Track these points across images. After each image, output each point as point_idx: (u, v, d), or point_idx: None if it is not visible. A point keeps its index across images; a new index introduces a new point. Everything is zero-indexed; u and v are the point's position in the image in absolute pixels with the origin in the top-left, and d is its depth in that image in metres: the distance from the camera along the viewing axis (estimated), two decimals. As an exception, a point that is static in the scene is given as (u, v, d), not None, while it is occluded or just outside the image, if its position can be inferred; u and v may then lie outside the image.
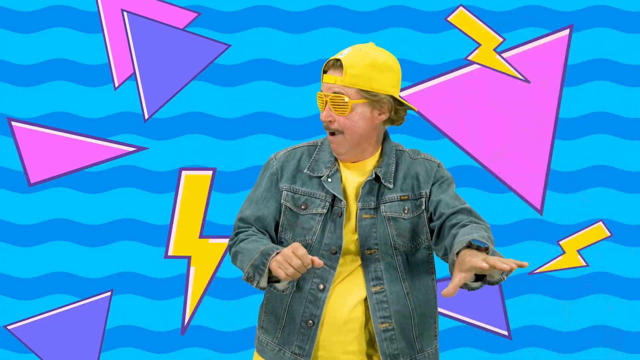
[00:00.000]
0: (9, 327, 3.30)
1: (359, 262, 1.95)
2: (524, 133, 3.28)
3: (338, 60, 1.89)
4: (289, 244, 1.88)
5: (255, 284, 1.84)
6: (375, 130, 1.95)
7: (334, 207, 1.94)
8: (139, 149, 3.29)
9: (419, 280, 1.99)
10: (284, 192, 1.97)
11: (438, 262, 2.02)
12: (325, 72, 1.92)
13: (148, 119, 3.29)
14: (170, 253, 3.32)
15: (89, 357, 3.31)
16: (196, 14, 3.28)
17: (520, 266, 1.62)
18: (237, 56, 3.28)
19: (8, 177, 3.28)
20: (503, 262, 1.59)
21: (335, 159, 1.97)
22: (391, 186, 1.96)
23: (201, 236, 3.31)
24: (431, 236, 1.99)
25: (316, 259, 1.74)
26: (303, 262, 1.73)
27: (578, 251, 3.31)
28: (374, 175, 1.95)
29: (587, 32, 3.27)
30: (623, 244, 3.30)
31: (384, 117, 1.94)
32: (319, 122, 1.98)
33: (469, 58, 3.27)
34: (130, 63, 3.26)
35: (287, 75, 3.29)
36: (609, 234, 3.30)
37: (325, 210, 1.93)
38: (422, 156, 2.04)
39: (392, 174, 1.97)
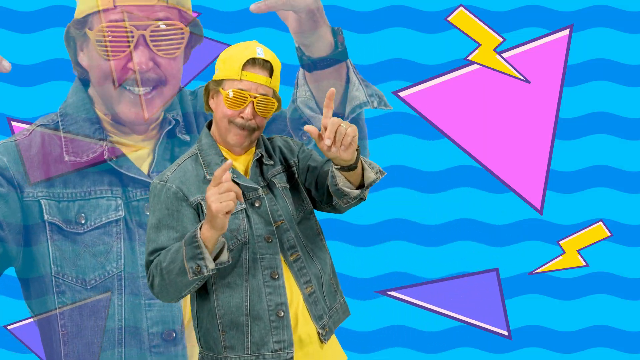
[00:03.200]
0: (9, 327, 3.30)
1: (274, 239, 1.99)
2: (524, 133, 3.28)
3: (267, 61, 1.95)
4: (226, 264, 1.89)
5: (206, 272, 1.78)
6: None
7: (247, 199, 1.97)
8: (139, 149, 3.29)
9: (314, 243, 2.07)
10: (202, 204, 1.92)
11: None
12: (243, 67, 1.92)
13: (148, 119, 3.29)
14: (170, 253, 3.31)
15: (89, 357, 3.30)
16: (196, 14, 3.28)
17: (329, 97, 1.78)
18: (237, 56, 3.28)
19: (8, 177, 3.28)
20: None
21: (222, 157, 1.99)
22: (272, 162, 2.05)
23: (201, 236, 3.31)
24: (310, 194, 2.10)
25: (225, 164, 1.75)
26: (219, 178, 1.73)
27: (578, 251, 3.31)
28: (259, 155, 2.02)
29: (587, 32, 3.27)
30: (623, 244, 3.30)
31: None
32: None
33: (469, 58, 3.27)
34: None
35: (287, 75, 3.28)
36: (609, 234, 3.30)
37: (244, 206, 1.96)
38: (275, 136, 2.17)
39: (268, 153, 2.07)
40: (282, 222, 2.00)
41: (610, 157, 3.29)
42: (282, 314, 1.94)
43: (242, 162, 2.04)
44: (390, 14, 3.28)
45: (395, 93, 3.28)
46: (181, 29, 1.27)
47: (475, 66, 3.27)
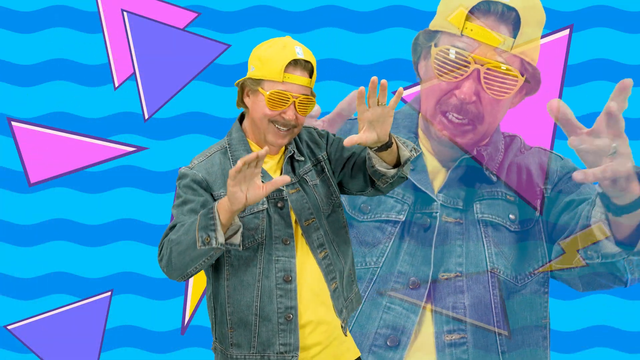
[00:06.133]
0: (9, 327, 3.30)
1: (300, 235, 2.01)
2: (524, 133, 3.27)
3: (308, 62, 1.94)
4: (237, 248, 1.88)
5: (215, 244, 1.77)
6: None
7: (269, 199, 1.97)
8: (139, 149, 3.29)
9: (340, 237, 2.09)
10: None
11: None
12: (285, 69, 1.91)
13: (148, 119, 3.29)
14: (170, 253, 3.31)
15: (89, 357, 3.30)
16: (196, 14, 3.28)
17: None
18: (237, 56, 3.28)
19: (8, 177, 3.28)
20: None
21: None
22: (302, 158, 2.06)
23: (201, 236, 3.31)
24: (341, 183, 2.12)
25: (259, 152, 1.74)
26: (248, 162, 1.73)
27: (578, 251, 3.30)
28: (291, 153, 2.03)
29: (587, 32, 3.26)
30: (623, 244, 3.29)
31: None
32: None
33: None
34: (130, 63, 3.27)
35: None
36: (609, 234, 3.29)
37: (266, 206, 1.96)
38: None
39: (298, 148, 2.08)
40: (312, 221, 2.01)
41: (610, 157, 3.28)
42: (291, 317, 1.95)
43: (272, 159, 2.04)
44: (390, 14, 3.28)
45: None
46: (516, 76, 1.30)
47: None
